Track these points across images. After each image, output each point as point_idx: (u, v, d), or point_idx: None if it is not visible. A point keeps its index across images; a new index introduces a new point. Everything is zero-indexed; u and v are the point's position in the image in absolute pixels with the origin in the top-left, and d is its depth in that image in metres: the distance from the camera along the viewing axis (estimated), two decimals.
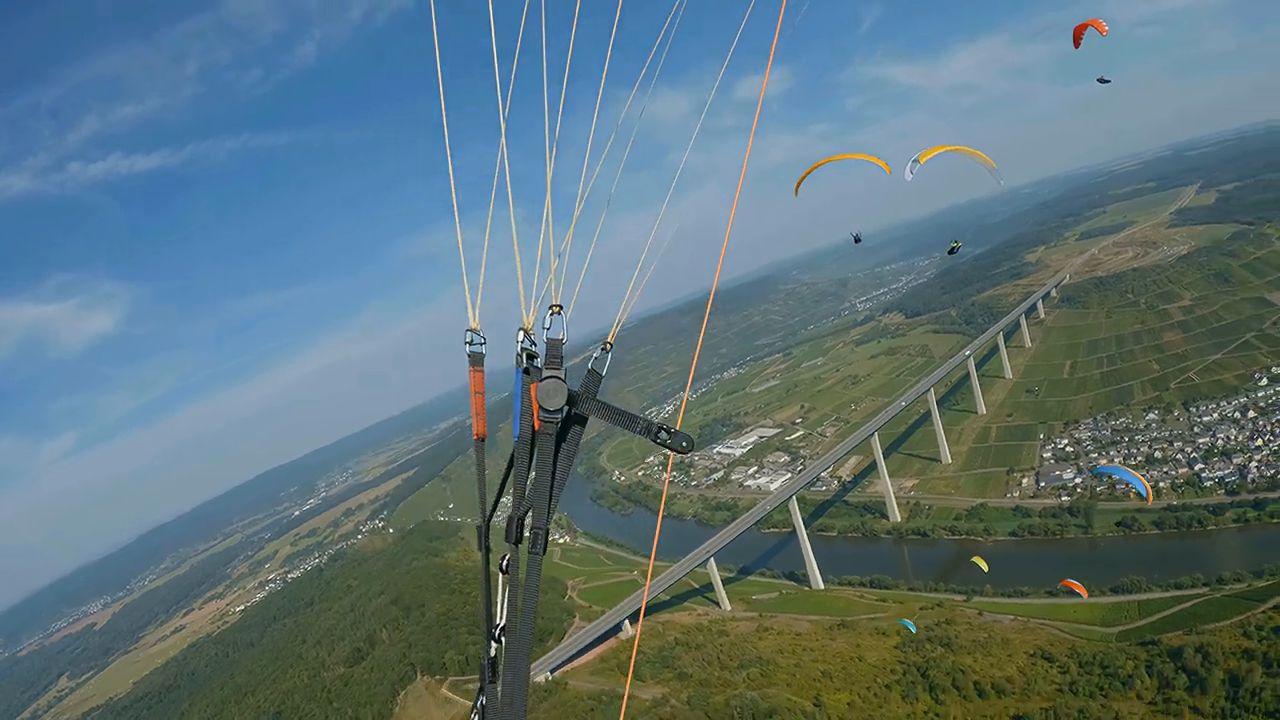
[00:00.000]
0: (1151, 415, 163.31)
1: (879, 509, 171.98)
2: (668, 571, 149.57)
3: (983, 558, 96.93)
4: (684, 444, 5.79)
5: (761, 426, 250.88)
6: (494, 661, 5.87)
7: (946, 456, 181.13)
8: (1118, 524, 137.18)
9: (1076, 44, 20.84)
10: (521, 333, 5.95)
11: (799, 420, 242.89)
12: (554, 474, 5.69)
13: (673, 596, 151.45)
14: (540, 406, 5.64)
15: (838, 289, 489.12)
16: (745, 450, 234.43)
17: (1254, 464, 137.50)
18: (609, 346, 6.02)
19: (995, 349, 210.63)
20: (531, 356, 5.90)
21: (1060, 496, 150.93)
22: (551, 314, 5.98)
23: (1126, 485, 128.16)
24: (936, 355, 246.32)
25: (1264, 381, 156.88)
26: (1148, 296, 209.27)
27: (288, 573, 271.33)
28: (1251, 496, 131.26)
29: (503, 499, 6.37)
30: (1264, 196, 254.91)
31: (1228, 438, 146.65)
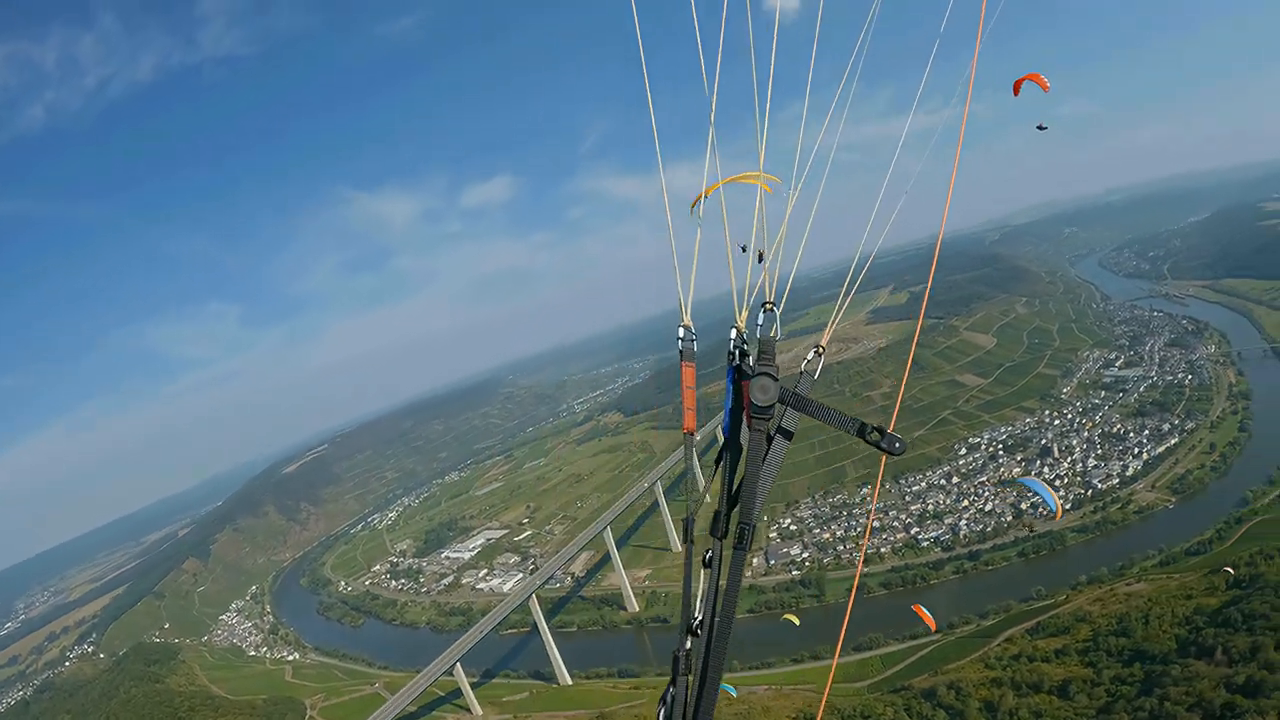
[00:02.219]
0: (865, 490, 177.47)
1: (616, 600, 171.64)
2: (412, 683, 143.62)
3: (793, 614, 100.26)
4: (896, 445, 5.23)
5: (488, 529, 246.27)
6: (688, 655, 5.45)
7: (676, 545, 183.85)
8: (848, 589, 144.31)
9: (1015, 92, 21.23)
10: (734, 331, 5.76)
11: (526, 520, 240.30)
12: (763, 470, 5.24)
13: (420, 707, 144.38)
14: (752, 403, 5.27)
15: (555, 391, 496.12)
16: (474, 553, 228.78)
17: (963, 522, 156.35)
18: (821, 350, 5.73)
19: (714, 440, 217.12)
20: (743, 354, 5.67)
21: (791, 571, 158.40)
22: (764, 311, 5.76)
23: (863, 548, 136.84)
24: (657, 450, 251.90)
25: (963, 451, 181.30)
26: (852, 385, 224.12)
27: None
28: (965, 549, 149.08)
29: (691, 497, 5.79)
30: (949, 296, 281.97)
31: (938, 502, 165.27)
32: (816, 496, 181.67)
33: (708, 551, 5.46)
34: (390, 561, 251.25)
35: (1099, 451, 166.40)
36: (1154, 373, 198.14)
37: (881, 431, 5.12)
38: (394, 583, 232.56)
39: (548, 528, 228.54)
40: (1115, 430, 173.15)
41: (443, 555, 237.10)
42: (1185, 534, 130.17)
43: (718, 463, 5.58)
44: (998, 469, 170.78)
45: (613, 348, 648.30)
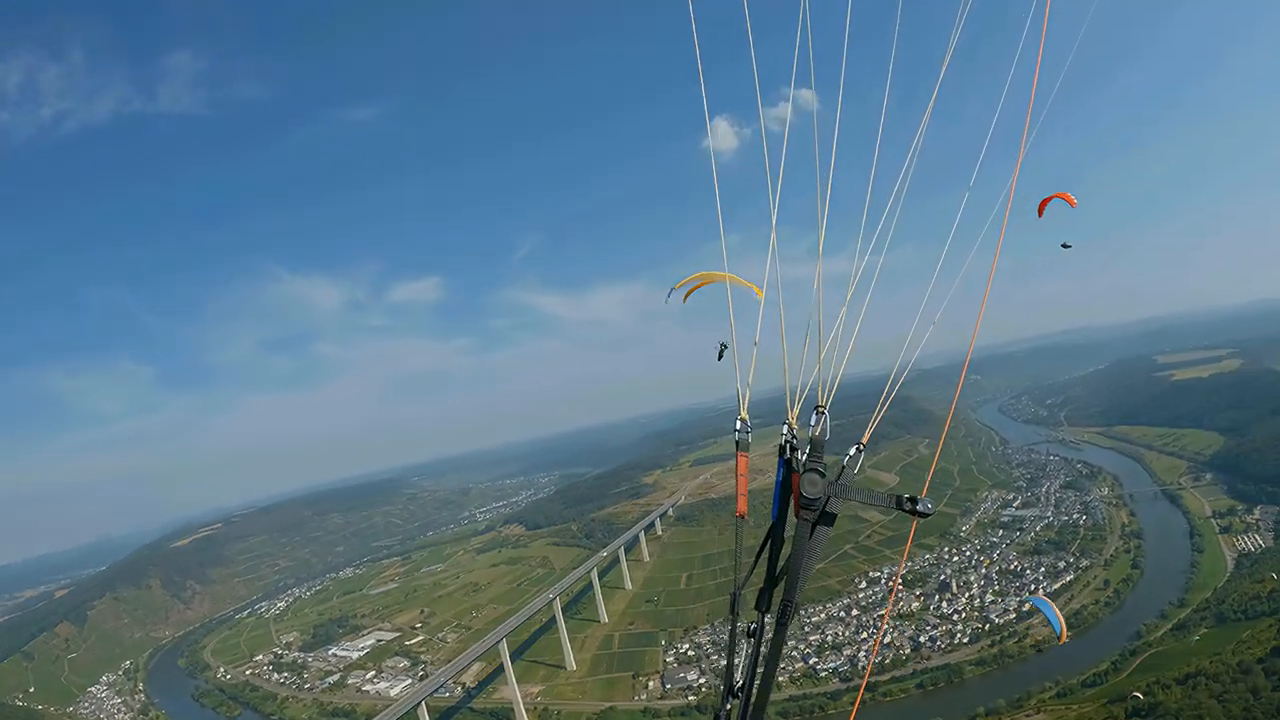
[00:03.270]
0: (768, 618, 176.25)
1: (507, 715, 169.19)
2: None
3: None
4: (930, 508, 7.01)
5: (380, 629, 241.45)
6: (728, 715, 7.04)
7: (571, 663, 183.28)
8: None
9: (1040, 214, 22.70)
10: (786, 426, 7.41)
11: (419, 625, 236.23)
12: (805, 554, 6.78)
13: None
14: (801, 494, 6.85)
15: (459, 498, 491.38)
16: (363, 653, 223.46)
17: (861, 653, 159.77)
18: (862, 448, 7.36)
19: (616, 561, 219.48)
20: (794, 449, 7.40)
21: (687, 696, 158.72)
22: (816, 414, 7.41)
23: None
24: (557, 567, 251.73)
25: (863, 584, 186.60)
26: (755, 516, 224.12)
27: None
28: (862, 681, 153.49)
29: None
30: (856, 435, 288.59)
31: (836, 633, 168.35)
32: (716, 624, 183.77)
33: (751, 624, 7.09)
34: (275, 652, 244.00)
35: (996, 587, 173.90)
36: (1050, 513, 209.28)
37: (914, 500, 6.77)
38: (276, 675, 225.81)
39: (441, 634, 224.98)
40: (1012, 567, 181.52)
41: (330, 652, 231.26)
42: (1081, 666, 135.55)
43: (764, 544, 7.37)
44: (896, 602, 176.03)
45: (520, 459, 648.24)
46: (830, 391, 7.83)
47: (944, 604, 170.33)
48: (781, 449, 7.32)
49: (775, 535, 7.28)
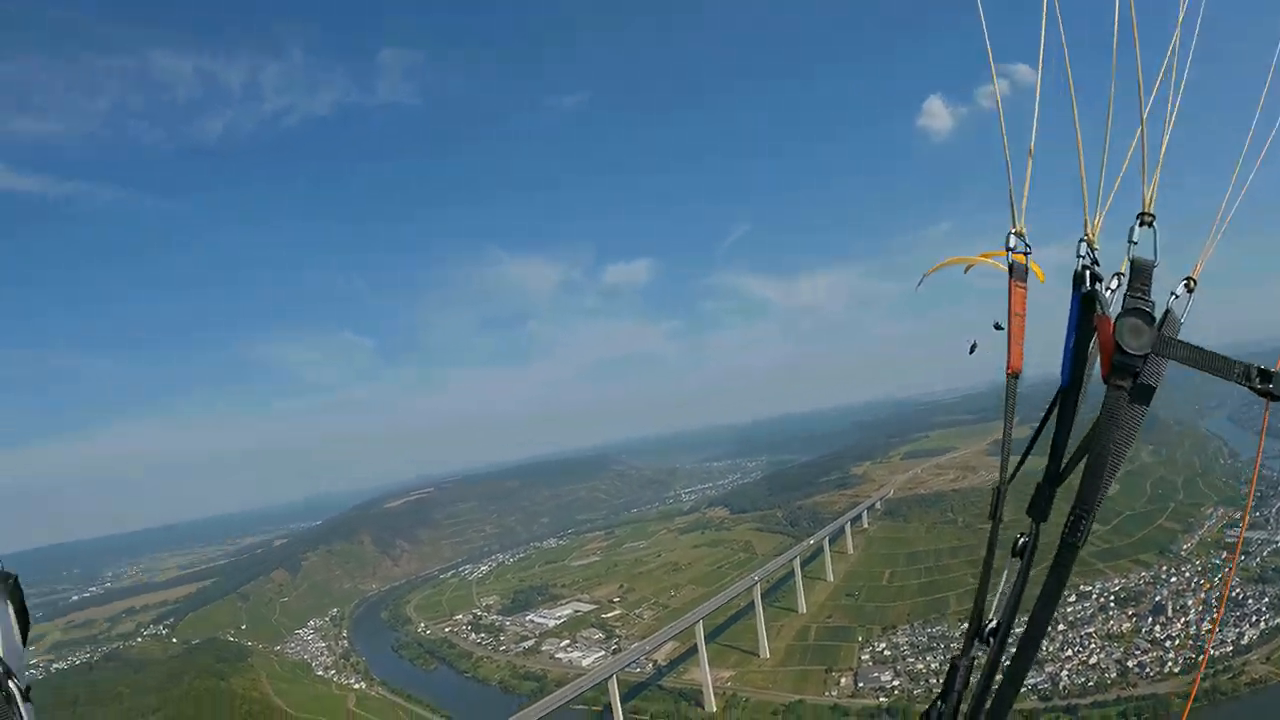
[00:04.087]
0: (965, 625, 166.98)
1: (695, 696, 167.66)
2: None
3: None
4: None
5: (578, 600, 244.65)
6: (970, 666, 4.36)
7: (765, 651, 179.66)
8: None
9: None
10: (1082, 244, 4.09)
11: (617, 599, 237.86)
12: (1114, 440, 3.81)
13: None
14: (1117, 346, 3.70)
15: (665, 477, 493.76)
16: (559, 622, 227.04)
17: (1065, 672, 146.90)
18: (1193, 283, 3.91)
19: (820, 552, 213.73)
20: (1095, 278, 4.03)
21: (878, 697, 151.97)
22: (1140, 226, 4.03)
23: None
24: (759, 552, 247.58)
25: (1073, 598, 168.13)
26: (965, 516, 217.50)
27: (52, 662, 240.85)
28: (1064, 702, 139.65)
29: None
30: (1074, 438, 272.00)
31: (1041, 648, 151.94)
32: (916, 625, 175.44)
33: (1021, 537, 4.44)
34: (474, 613, 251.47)
35: (1214, 615, 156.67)
36: (1279, 536, 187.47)
37: (1267, 375, 3.77)
38: (474, 635, 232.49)
39: (637, 610, 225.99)
40: (1234, 595, 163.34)
41: (527, 618, 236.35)
42: None
43: (1045, 419, 4.47)
44: (1106, 621, 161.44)
45: (727, 442, 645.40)
46: (1152, 186, 4.09)
47: (1157, 628, 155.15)
48: (1078, 277, 4.09)
49: (1065, 408, 4.30)
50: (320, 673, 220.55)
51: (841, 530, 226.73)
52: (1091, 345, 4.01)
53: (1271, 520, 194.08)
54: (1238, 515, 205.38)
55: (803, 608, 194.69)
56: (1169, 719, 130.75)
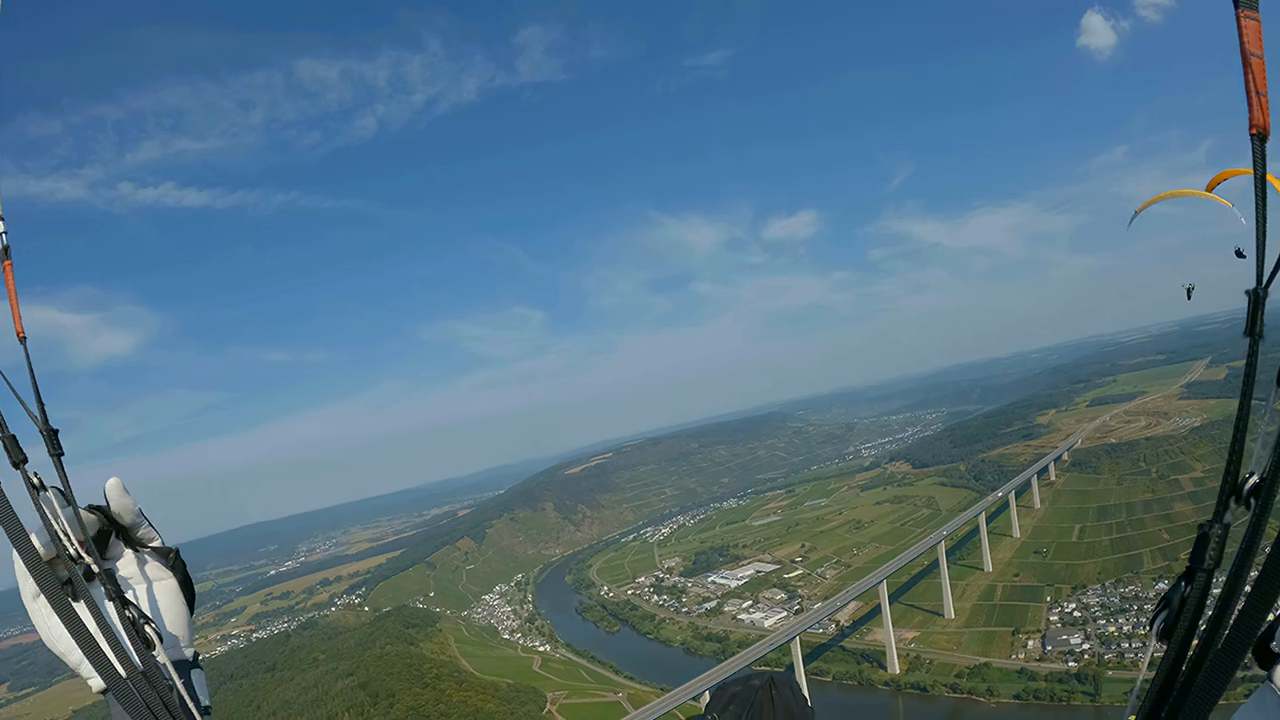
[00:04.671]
0: (1161, 585, 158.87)
1: (877, 658, 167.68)
2: (658, 700, 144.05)
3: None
4: None
5: (759, 561, 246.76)
6: (1223, 535, 2.78)
7: (950, 611, 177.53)
8: (1127, 693, 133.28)
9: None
10: None
11: (799, 559, 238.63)
12: None
13: None
14: None
15: (843, 433, 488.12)
16: (741, 583, 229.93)
17: None
18: None
19: (1005, 506, 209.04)
20: None
21: (1067, 662, 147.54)
22: None
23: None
24: (943, 508, 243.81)
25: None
26: (1159, 466, 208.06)
27: (254, 631, 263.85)
28: None
29: None
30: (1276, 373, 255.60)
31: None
32: (1107, 585, 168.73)
33: None
34: (656, 576, 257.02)
35: None
36: None
37: None
38: (656, 597, 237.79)
39: (820, 570, 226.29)
40: None
41: (709, 579, 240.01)
42: None
43: None
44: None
45: (905, 395, 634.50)
46: None
47: None
48: None
49: None
50: (506, 636, 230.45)
51: (1027, 483, 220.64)
52: None
53: None
54: None
55: (988, 566, 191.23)
56: None
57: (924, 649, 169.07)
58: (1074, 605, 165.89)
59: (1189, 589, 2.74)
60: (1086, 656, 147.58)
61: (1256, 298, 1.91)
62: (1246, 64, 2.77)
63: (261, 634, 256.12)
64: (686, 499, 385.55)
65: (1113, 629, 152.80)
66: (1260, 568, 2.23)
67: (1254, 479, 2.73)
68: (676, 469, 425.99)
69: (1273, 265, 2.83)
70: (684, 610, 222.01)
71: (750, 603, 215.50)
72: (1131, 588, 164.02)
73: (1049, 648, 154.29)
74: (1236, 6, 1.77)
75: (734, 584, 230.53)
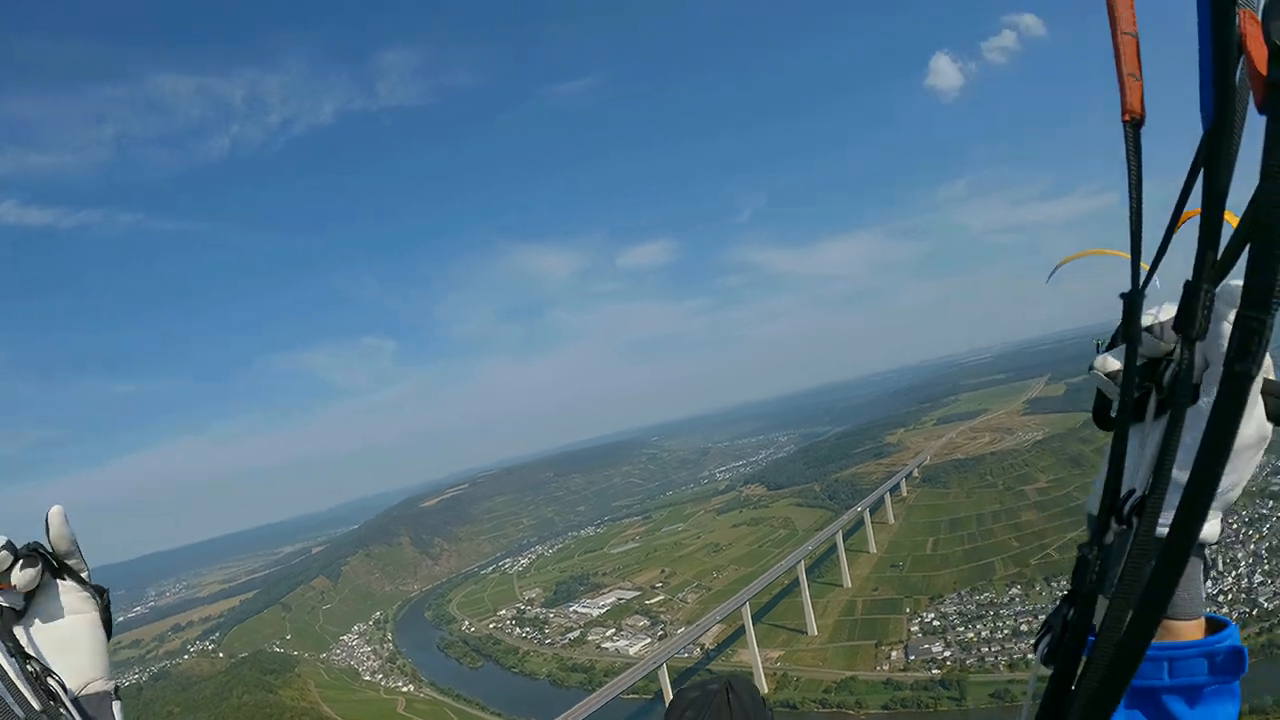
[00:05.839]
0: (1014, 590, 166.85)
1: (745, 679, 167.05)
2: None
3: None
4: None
5: (620, 588, 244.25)
6: (1101, 557, 1.83)
7: (813, 629, 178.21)
8: (991, 695, 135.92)
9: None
10: None
11: (659, 584, 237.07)
12: None
13: None
14: (1275, 53, 1.52)
15: (698, 457, 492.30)
16: (603, 611, 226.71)
17: None
18: None
19: (860, 523, 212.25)
20: None
21: (931, 669, 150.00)
22: None
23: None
24: (800, 528, 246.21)
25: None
26: (1005, 478, 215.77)
27: None
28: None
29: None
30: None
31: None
32: (963, 593, 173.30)
33: (1166, 363, 2.47)
34: (517, 608, 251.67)
35: (1266, 567, 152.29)
36: None
37: None
38: (518, 629, 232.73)
39: (681, 594, 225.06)
40: None
41: (571, 609, 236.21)
42: None
43: (1188, 184, 1.97)
44: None
45: (758, 418, 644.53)
46: None
47: (1208, 584, 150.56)
48: None
49: (1215, 156, 1.72)
50: (368, 678, 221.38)
51: (881, 500, 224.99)
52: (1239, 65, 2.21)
53: None
54: None
55: (847, 582, 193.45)
56: None
57: (790, 667, 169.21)
58: (933, 615, 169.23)
59: (1071, 614, 2.46)
60: (949, 663, 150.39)
61: (1133, 302, 1.61)
62: (1117, 44, 1.76)
63: None
64: (544, 528, 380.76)
65: (971, 635, 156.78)
66: (1145, 587, 1.95)
67: (1134, 494, 2.45)
68: (533, 498, 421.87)
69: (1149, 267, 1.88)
70: (547, 641, 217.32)
71: (613, 630, 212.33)
72: (986, 594, 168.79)
73: (912, 657, 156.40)
74: None
75: (596, 612, 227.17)
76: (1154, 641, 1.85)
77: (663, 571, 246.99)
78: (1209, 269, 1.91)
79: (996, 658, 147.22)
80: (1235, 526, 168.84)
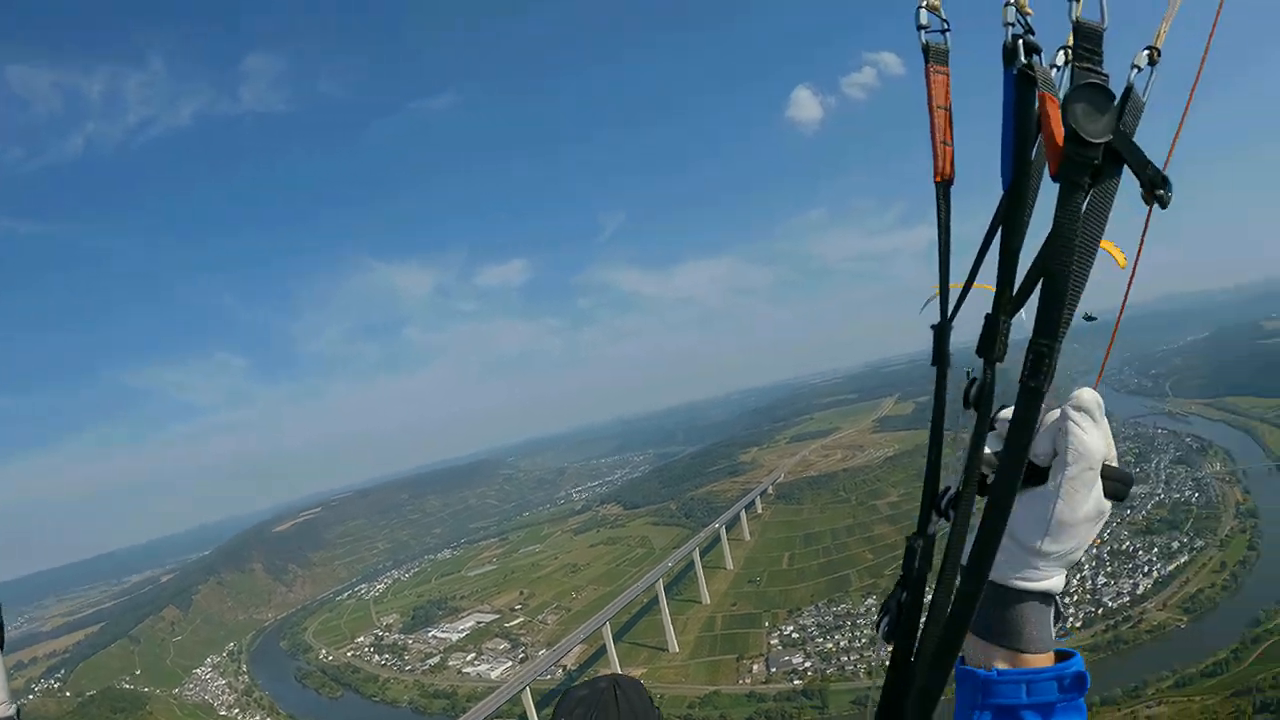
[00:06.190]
0: (870, 600, 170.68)
1: None
2: None
3: None
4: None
5: (479, 611, 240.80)
6: (928, 546, 2.87)
7: (674, 645, 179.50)
8: (852, 702, 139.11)
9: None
10: (1010, 9, 2.44)
11: (518, 606, 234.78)
12: (1075, 252, 2.17)
13: None
14: (1070, 133, 2.11)
15: (554, 477, 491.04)
16: (463, 635, 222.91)
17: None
18: (1157, 55, 2.49)
19: (716, 540, 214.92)
20: (1031, 49, 2.38)
21: (792, 680, 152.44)
22: None
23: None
24: (657, 546, 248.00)
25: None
26: (858, 494, 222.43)
27: None
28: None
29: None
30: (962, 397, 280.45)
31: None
32: (820, 605, 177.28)
33: (970, 377, 2.79)
34: (375, 634, 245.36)
35: (1108, 569, 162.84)
36: (1160, 490, 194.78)
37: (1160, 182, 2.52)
38: (377, 657, 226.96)
39: (541, 616, 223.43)
40: (1124, 548, 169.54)
41: (430, 634, 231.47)
42: (1199, 654, 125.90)
43: (988, 238, 2.66)
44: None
45: (614, 438, 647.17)
46: None
47: (1059, 625, 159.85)
48: (1008, 50, 2.34)
49: (1010, 217, 2.34)
50: (224, 713, 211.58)
51: (737, 517, 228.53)
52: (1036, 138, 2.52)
53: (1152, 475, 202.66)
54: None
55: (706, 598, 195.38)
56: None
57: (654, 683, 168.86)
58: (792, 627, 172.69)
59: (906, 597, 2.99)
60: (810, 673, 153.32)
61: (941, 332, 2.40)
62: (933, 116, 2.79)
63: None
64: (400, 552, 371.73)
65: (830, 645, 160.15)
66: (962, 570, 2.48)
67: (950, 490, 3.00)
68: (388, 521, 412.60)
69: (954, 302, 2.46)
70: (408, 668, 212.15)
71: (474, 655, 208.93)
72: (843, 606, 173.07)
73: (773, 669, 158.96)
74: (927, 61, 2.83)
75: (455, 637, 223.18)
76: (1014, 669, 2.48)
77: (521, 593, 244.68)
78: (1005, 304, 2.39)
79: (856, 665, 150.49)
80: None
